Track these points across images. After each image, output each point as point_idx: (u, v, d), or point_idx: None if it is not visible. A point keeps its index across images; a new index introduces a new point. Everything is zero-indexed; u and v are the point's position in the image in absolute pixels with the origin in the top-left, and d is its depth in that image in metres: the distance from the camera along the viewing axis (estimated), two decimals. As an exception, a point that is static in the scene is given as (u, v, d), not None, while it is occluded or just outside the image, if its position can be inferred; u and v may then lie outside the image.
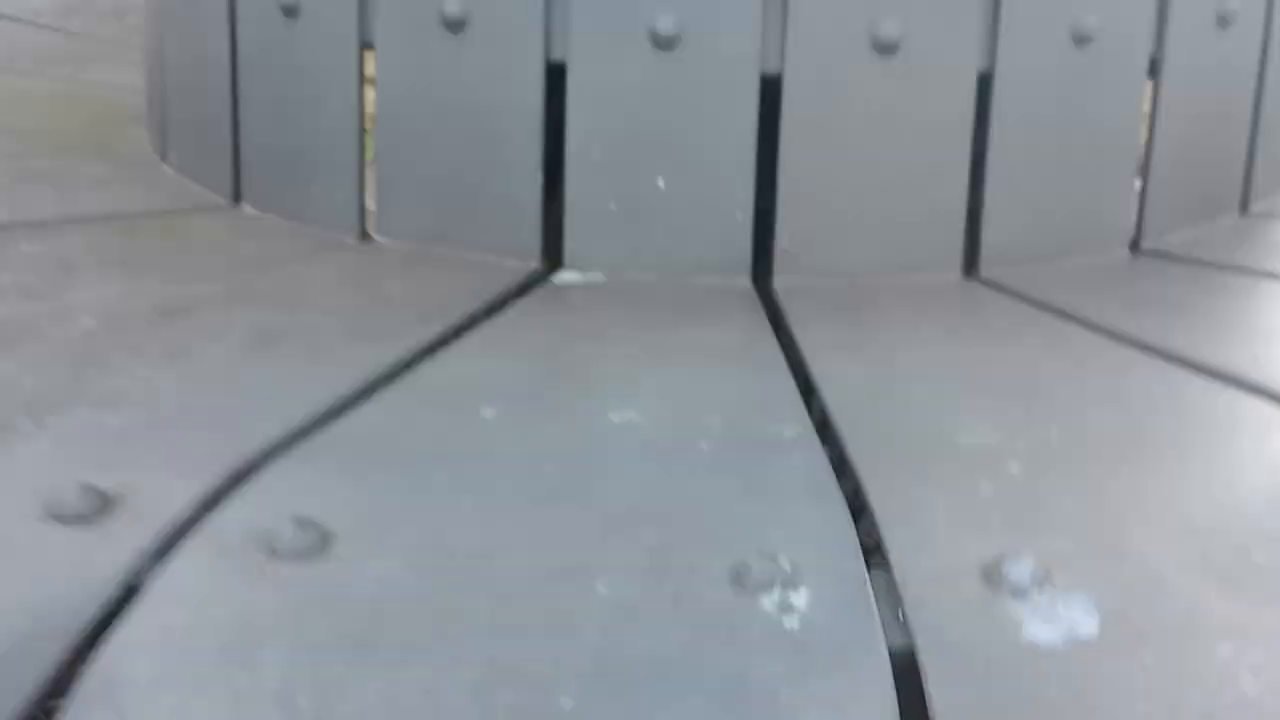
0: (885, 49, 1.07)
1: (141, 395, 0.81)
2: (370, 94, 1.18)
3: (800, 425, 0.80)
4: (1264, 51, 1.25)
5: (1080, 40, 1.11)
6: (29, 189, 1.24)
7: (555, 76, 1.11)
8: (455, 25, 1.10)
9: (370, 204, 1.19)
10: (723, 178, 1.10)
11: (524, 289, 1.08)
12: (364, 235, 1.19)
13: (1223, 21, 1.19)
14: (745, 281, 1.11)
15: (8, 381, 0.82)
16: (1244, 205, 1.30)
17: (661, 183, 1.11)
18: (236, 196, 1.27)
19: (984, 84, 1.11)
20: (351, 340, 0.92)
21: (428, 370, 0.88)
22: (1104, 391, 0.86)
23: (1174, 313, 1.02)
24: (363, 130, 1.18)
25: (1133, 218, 1.20)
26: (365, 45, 1.16)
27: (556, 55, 1.10)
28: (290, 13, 1.17)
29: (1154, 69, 1.17)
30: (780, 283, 1.11)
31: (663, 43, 1.07)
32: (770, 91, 1.09)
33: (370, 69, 1.18)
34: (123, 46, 1.81)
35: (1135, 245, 1.20)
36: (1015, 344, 0.96)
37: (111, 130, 1.47)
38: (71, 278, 1.03)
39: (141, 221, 1.20)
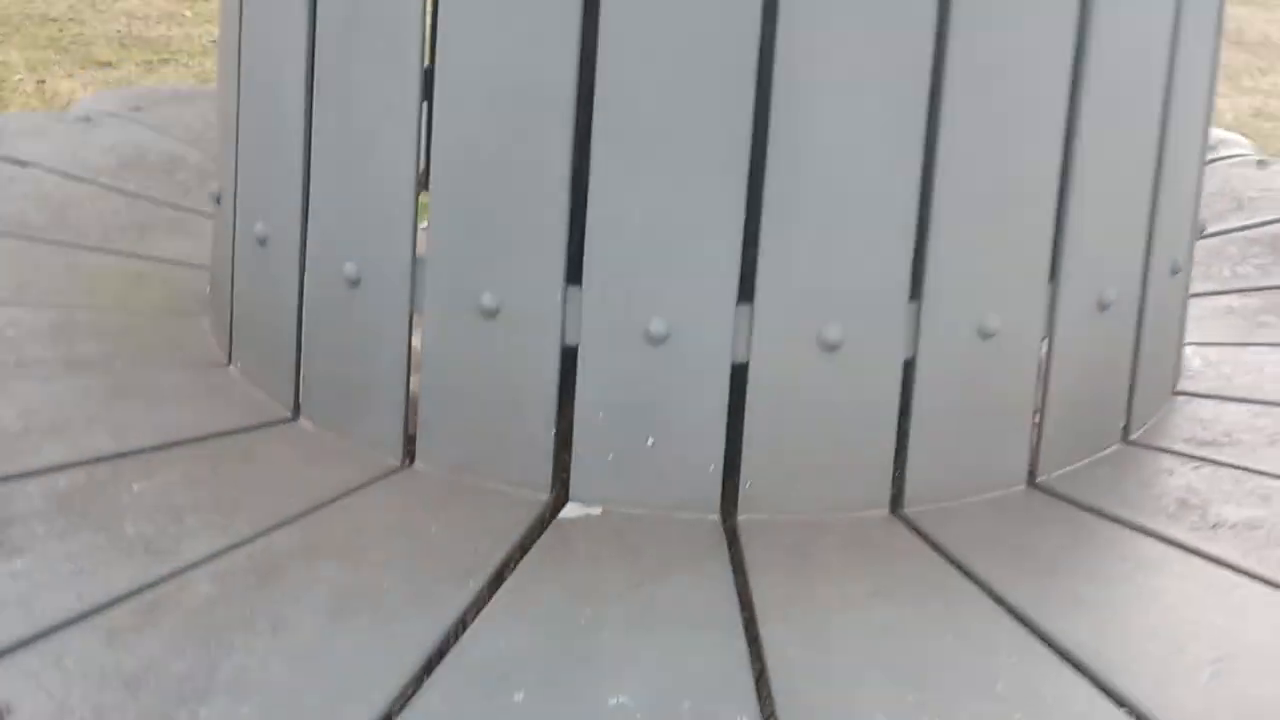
0: (829, 347, 1.35)
1: (260, 677, 1.08)
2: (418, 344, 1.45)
3: (750, 713, 1.08)
4: (1139, 322, 1.53)
5: (985, 335, 1.39)
6: (124, 407, 1.50)
7: (569, 356, 1.38)
8: (490, 313, 1.37)
9: (414, 436, 1.46)
10: (700, 439, 1.37)
11: (539, 527, 1.35)
12: (407, 458, 1.46)
13: (1102, 306, 1.47)
14: (715, 517, 1.39)
15: (160, 664, 1.09)
16: (1125, 434, 1.58)
17: (650, 441, 1.38)
18: (296, 411, 1.54)
19: (909, 367, 1.39)
20: (410, 605, 1.19)
21: (470, 645, 1.15)
22: (981, 679, 1.14)
23: (1050, 575, 1.30)
24: (410, 376, 1.45)
25: (1027, 459, 1.48)
26: (415, 311, 1.43)
27: (570, 341, 1.37)
28: (353, 284, 1.44)
29: (1047, 345, 1.45)
30: (743, 518, 1.39)
31: (654, 340, 1.34)
32: (739, 375, 1.37)
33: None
34: (176, 208, 2.06)
35: (1032, 479, 1.49)
36: (921, 611, 1.23)
37: (181, 324, 1.72)
38: (180, 525, 1.29)
39: (223, 445, 1.46)
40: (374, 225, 1.42)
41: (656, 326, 1.34)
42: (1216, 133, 2.53)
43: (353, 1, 1.38)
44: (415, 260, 1.41)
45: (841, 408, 1.38)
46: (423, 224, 1.40)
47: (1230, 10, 6.41)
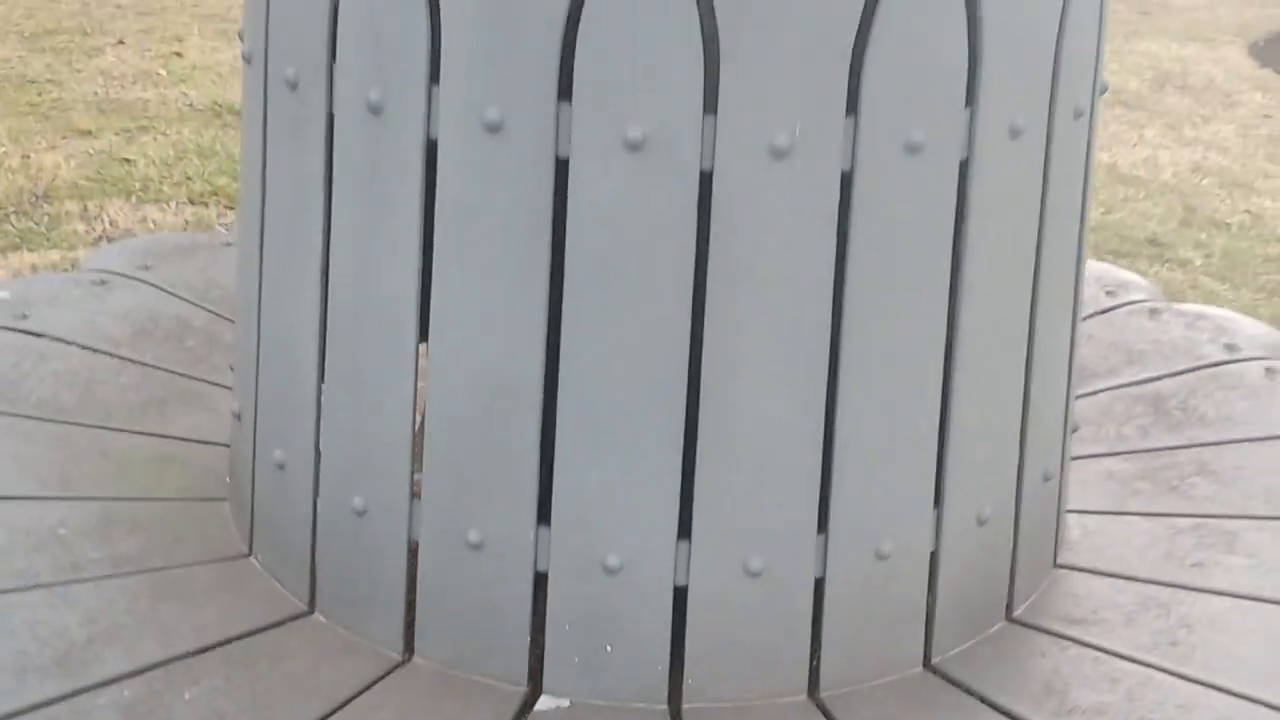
0: (753, 574, 1.71)
1: None
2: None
3: None
4: (1016, 528, 1.90)
5: (881, 557, 1.76)
6: (168, 610, 1.85)
7: (541, 580, 1.74)
8: (475, 546, 1.73)
9: (413, 635, 1.82)
10: (650, 646, 1.74)
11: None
12: (408, 652, 1.82)
13: (980, 522, 1.84)
14: (663, 706, 1.76)
15: None
16: (1009, 612, 1.95)
17: (609, 648, 1.75)
18: (312, 605, 1.90)
19: (819, 584, 1.76)
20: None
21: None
22: None
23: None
24: (410, 585, 1.81)
25: (922, 645, 1.85)
26: (412, 544, 1.78)
27: (541, 568, 1.73)
28: (360, 514, 1.79)
29: (934, 557, 1.82)
30: (687, 706, 1.76)
31: (610, 570, 1.70)
32: (680, 595, 1.73)
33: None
34: (189, 378, 2.40)
35: (927, 661, 1.86)
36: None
37: (206, 511, 2.07)
38: (228, 735, 1.65)
39: (254, 645, 1.81)
40: (377, 469, 1.78)
41: (612, 560, 1.70)
42: (1119, 275, 2.90)
43: (362, 290, 1.73)
44: (412, 500, 1.76)
45: (764, 619, 1.75)
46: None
47: (1177, 50, 6.82)
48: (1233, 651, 1.87)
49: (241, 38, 1.88)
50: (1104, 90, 1.87)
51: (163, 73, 5.44)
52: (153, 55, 5.63)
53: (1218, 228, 4.61)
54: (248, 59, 1.81)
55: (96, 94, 5.19)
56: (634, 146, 1.53)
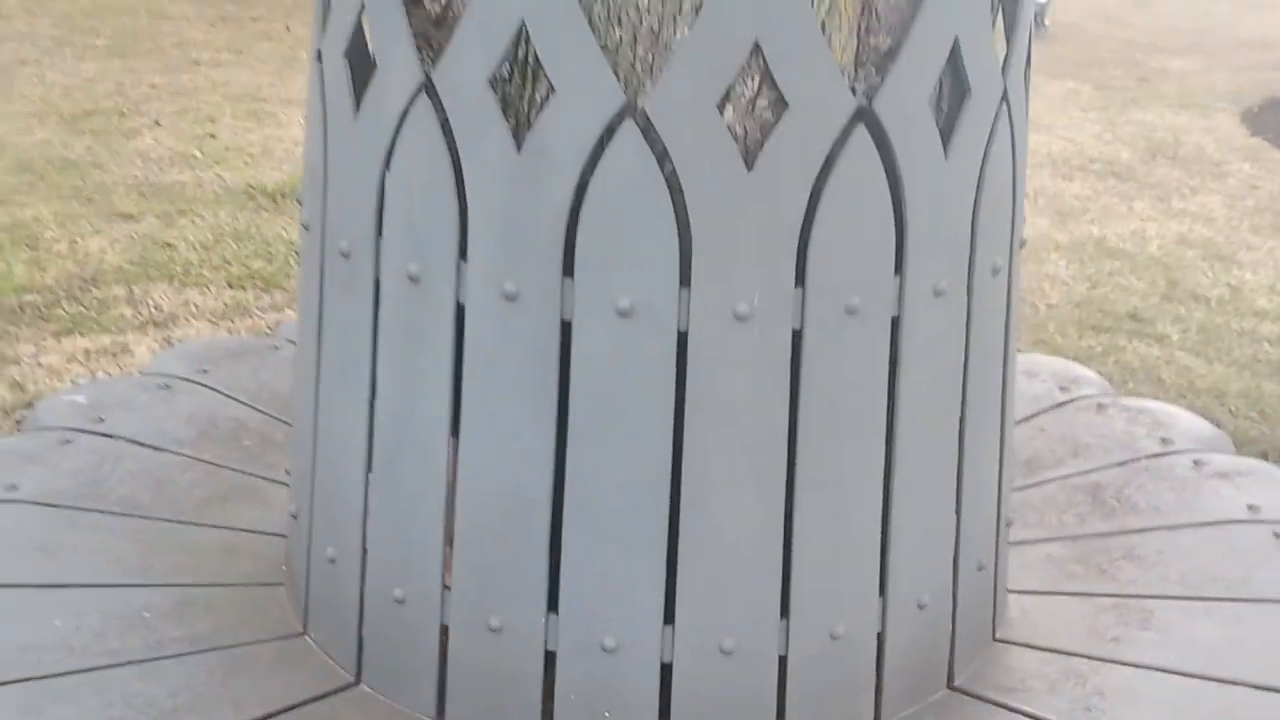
0: (727, 652, 2.13)
1: None
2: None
3: None
4: (954, 611, 2.32)
5: (834, 638, 2.18)
6: (238, 683, 2.28)
7: (550, 658, 2.16)
8: (495, 630, 2.16)
9: (444, 703, 2.24)
10: (641, 711, 2.16)
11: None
12: (439, 716, 2.24)
13: (920, 606, 2.25)
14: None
15: None
16: (950, 681, 2.37)
17: (607, 714, 2.16)
18: (358, 677, 2.32)
19: (782, 661, 2.18)
20: None
21: None
22: None
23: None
24: (441, 661, 2.23)
25: (873, 710, 2.26)
26: (443, 628, 2.21)
27: (551, 649, 2.15)
28: (400, 603, 2.22)
29: (879, 640, 2.24)
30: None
31: (607, 650, 2.13)
32: (666, 670, 2.15)
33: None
34: (246, 474, 2.84)
35: (878, 722, 2.28)
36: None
37: (267, 595, 2.50)
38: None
39: (311, 712, 2.24)
40: (414, 565, 2.21)
41: (609, 641, 2.12)
42: (1073, 370, 3.32)
43: (402, 419, 2.16)
44: (443, 591, 2.19)
45: (736, 690, 2.17)
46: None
47: (1170, 119, 7.30)
48: (1139, 716, 2.28)
49: (300, 203, 2.32)
50: (1022, 245, 2.30)
51: (198, 154, 5.91)
52: (188, 136, 6.11)
53: (1197, 301, 5.00)
54: (306, 226, 2.25)
55: (136, 176, 5.66)
56: (624, 313, 1.96)
